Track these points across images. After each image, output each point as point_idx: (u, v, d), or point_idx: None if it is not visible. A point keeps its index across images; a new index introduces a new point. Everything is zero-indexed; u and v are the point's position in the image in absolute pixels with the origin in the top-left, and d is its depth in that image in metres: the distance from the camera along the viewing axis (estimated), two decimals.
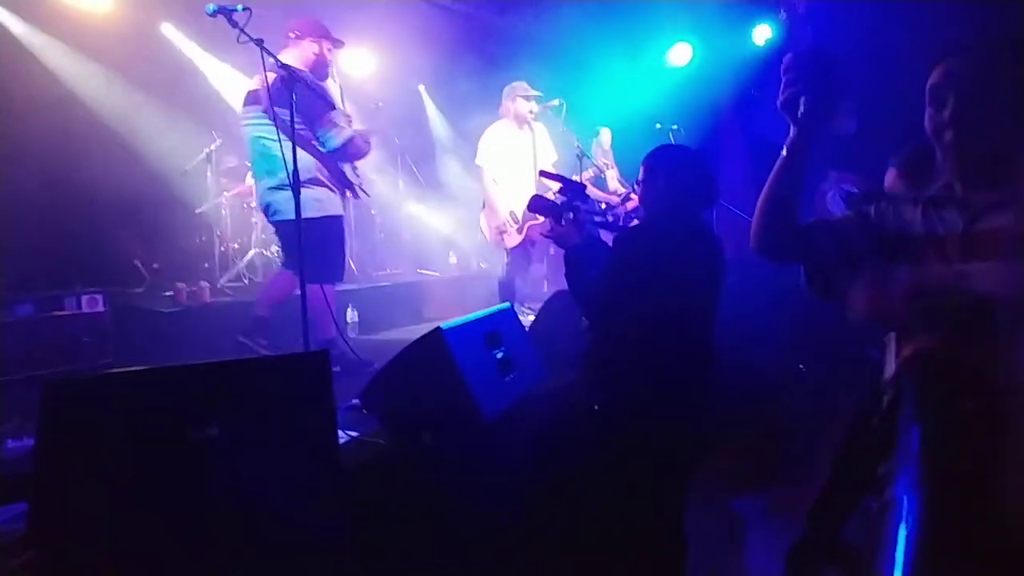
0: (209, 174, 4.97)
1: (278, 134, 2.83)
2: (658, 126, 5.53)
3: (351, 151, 3.19)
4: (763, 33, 6.46)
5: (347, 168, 3.31)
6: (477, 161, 4.27)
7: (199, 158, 4.95)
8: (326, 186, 3.19)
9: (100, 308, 3.70)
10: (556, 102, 4.24)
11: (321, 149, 3.12)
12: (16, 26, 4.43)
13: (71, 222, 4.37)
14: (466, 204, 5.60)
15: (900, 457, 1.02)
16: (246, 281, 4.90)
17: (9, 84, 4.20)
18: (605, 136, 5.52)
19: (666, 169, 2.12)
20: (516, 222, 4.21)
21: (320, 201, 3.13)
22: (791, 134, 1.18)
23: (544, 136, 4.45)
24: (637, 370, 1.96)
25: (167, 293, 4.19)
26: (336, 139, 3.08)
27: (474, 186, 4.48)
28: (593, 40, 5.90)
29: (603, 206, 4.98)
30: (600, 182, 5.33)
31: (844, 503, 1.89)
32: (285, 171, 2.69)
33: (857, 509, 1.81)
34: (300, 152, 2.88)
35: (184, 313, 3.95)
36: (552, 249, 6.23)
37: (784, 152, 1.19)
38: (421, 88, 7.15)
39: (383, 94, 6.18)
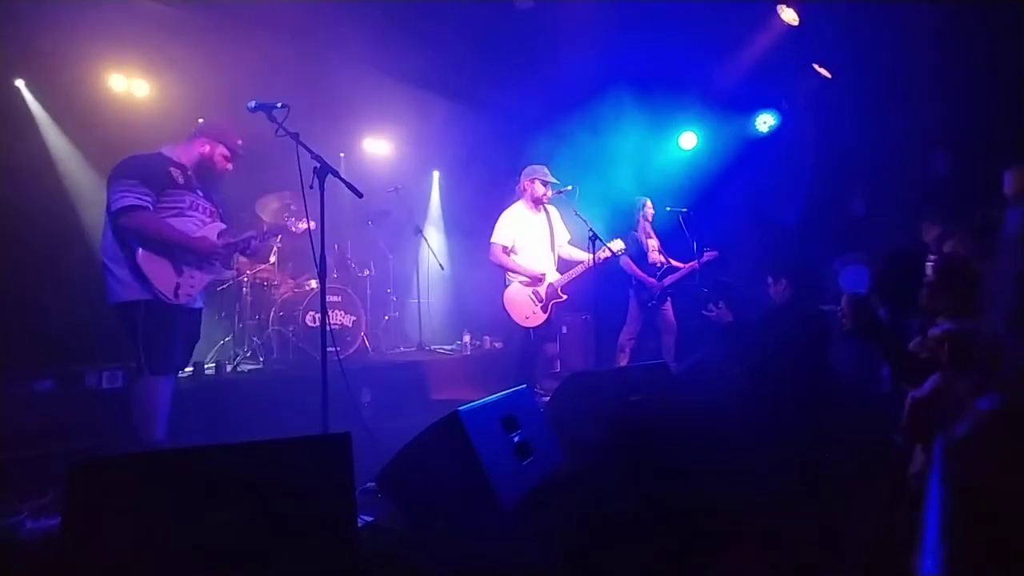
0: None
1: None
2: (668, 209, 5.72)
3: (133, 227, 2.82)
4: (766, 120, 6.76)
5: (155, 263, 2.88)
6: (495, 239, 4.35)
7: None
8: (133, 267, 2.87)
9: (119, 384, 3.75)
10: (569, 188, 4.39)
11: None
12: (42, 108, 4.72)
13: (93, 296, 4.47)
14: (480, 284, 5.70)
15: (923, 546, 1.01)
16: (261, 359, 4.96)
17: (40, 166, 4.45)
18: (649, 208, 5.68)
19: (785, 274, 3.73)
20: (540, 301, 4.26)
21: (122, 284, 2.87)
22: None
23: (557, 217, 4.60)
24: (777, 398, 3.10)
25: (186, 369, 4.23)
26: (116, 202, 2.79)
27: (489, 266, 4.57)
28: (604, 127, 6.19)
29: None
30: (640, 256, 5.45)
31: None
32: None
33: None
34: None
35: (201, 389, 3.99)
36: (564, 328, 6.30)
37: None
38: (435, 175, 7.50)
39: (400, 178, 6.47)
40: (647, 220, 5.67)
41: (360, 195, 2.71)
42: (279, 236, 3.42)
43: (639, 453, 2.85)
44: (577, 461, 2.77)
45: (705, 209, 5.87)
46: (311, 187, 2.57)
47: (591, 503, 2.31)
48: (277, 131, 2.60)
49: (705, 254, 5.46)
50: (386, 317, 6.18)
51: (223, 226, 3.22)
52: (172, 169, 3.02)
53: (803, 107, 6.57)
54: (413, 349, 6.18)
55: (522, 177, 4.49)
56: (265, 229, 3.53)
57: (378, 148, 6.80)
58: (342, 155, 6.50)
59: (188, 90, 5.00)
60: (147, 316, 2.86)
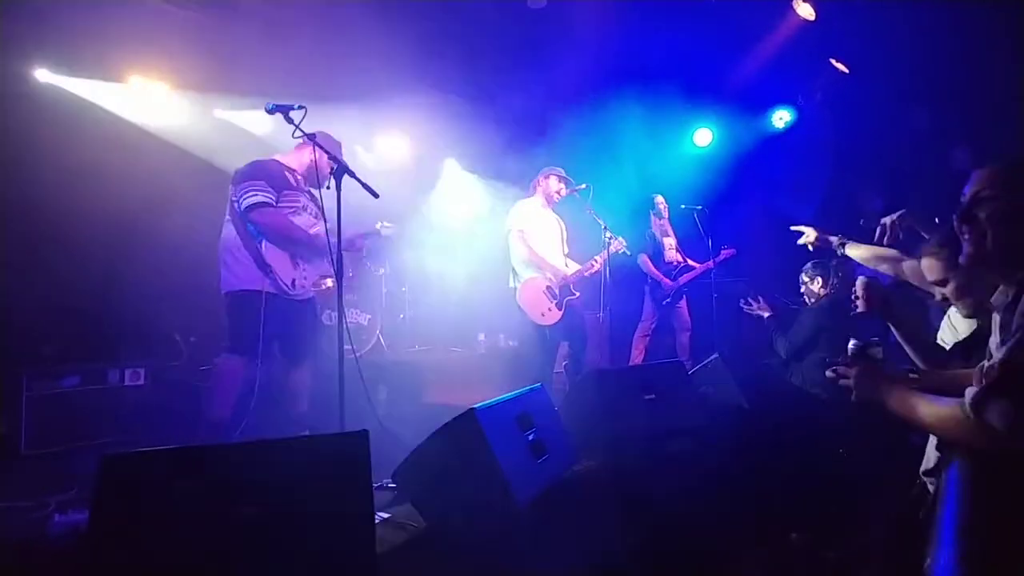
0: None
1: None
2: (683, 207, 5.70)
3: (264, 222, 3.07)
4: (782, 117, 6.71)
5: (278, 257, 3.13)
6: (514, 225, 4.30)
7: None
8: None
9: (141, 381, 3.83)
10: (583, 186, 4.40)
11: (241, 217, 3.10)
12: (77, 101, 4.73)
13: (116, 295, 4.55)
14: (495, 283, 5.71)
15: (938, 545, 1.02)
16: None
17: (64, 157, 4.52)
18: (662, 204, 5.66)
19: (820, 271, 4.02)
20: (554, 298, 4.24)
21: (240, 275, 3.11)
22: None
23: (564, 227, 4.59)
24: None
25: (204, 367, 4.30)
26: (246, 200, 3.04)
27: (503, 265, 4.57)
28: (618, 124, 6.18)
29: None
30: (656, 254, 5.45)
31: None
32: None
33: None
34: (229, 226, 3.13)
35: None
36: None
37: None
38: (449, 164, 7.45)
39: (415, 175, 6.50)
40: (662, 217, 5.65)
41: (376, 195, 2.74)
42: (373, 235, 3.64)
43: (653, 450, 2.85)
44: (591, 459, 2.78)
45: (720, 206, 5.83)
46: (327, 187, 2.60)
47: (605, 501, 2.32)
48: (294, 133, 2.64)
49: (722, 252, 5.44)
50: (401, 315, 6.21)
51: (325, 225, 3.34)
52: (287, 173, 3.29)
53: (820, 103, 6.50)
54: (428, 347, 6.21)
55: (539, 174, 4.51)
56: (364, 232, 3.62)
57: (392, 147, 6.83)
58: (358, 147, 6.54)
59: (207, 91, 5.06)
60: (266, 304, 3.09)
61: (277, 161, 3.33)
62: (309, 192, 3.39)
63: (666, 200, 5.73)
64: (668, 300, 5.42)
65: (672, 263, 5.51)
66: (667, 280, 5.39)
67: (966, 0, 4.64)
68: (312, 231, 3.25)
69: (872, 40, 5.58)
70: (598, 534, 2.15)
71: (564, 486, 2.46)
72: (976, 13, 4.67)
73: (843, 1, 5.37)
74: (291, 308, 3.25)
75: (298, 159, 3.37)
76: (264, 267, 3.11)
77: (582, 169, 4.70)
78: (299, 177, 3.36)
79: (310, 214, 3.32)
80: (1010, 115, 4.86)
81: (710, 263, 5.41)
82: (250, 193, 3.07)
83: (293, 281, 3.22)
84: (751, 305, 4.33)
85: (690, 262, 5.57)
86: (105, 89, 4.83)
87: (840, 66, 6.03)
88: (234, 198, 3.14)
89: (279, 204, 3.16)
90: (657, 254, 5.48)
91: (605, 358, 5.74)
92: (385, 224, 3.63)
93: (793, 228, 3.24)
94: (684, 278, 5.45)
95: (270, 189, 3.12)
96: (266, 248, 3.12)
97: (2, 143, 4.08)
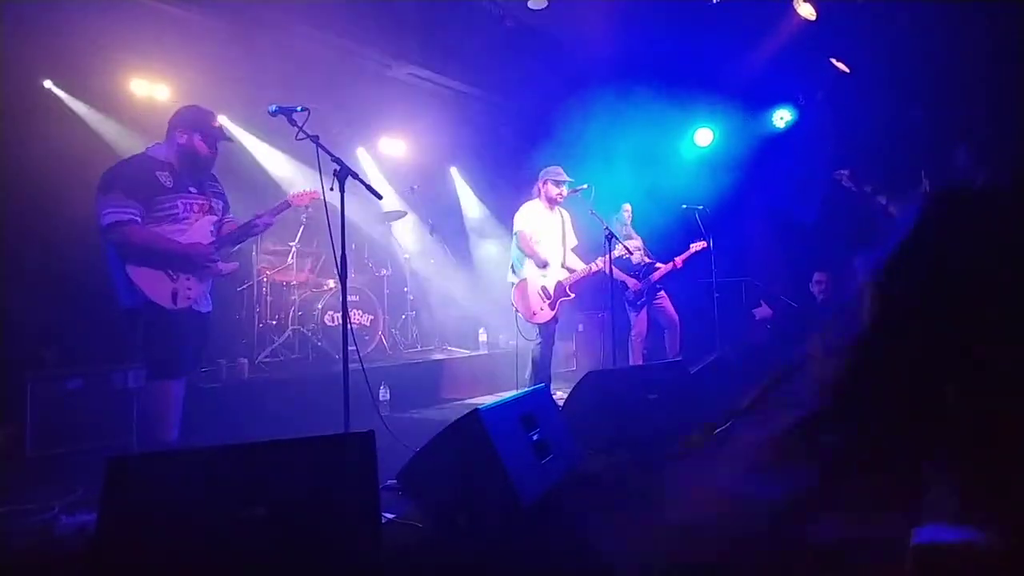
0: (254, 253, 5.18)
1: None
2: (684, 207, 5.70)
3: (123, 243, 2.75)
4: (783, 116, 6.71)
5: (146, 276, 2.80)
6: (520, 227, 4.38)
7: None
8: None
9: (143, 383, 3.83)
10: (585, 186, 4.41)
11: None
12: (84, 111, 4.81)
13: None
14: (496, 282, 5.74)
15: None
16: (281, 358, 5.02)
17: (67, 164, 4.52)
18: (627, 212, 5.68)
19: (826, 270, 4.26)
20: (548, 297, 4.30)
21: (123, 291, 2.82)
22: None
23: (568, 221, 4.63)
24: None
25: (207, 369, 4.31)
26: (103, 219, 2.72)
27: (504, 265, 4.60)
28: (619, 124, 6.19)
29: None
30: (624, 261, 5.47)
31: None
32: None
33: None
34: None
35: (224, 389, 4.06)
36: (580, 326, 6.31)
37: None
38: (453, 171, 7.51)
39: (417, 177, 6.53)
40: (624, 224, 5.65)
41: (379, 197, 2.75)
42: (289, 208, 3.29)
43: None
44: (594, 459, 2.79)
45: (722, 206, 5.84)
46: (331, 189, 2.61)
47: (609, 501, 2.33)
48: (297, 135, 2.65)
49: (691, 246, 5.47)
50: (403, 316, 6.23)
51: (214, 218, 3.07)
52: (159, 173, 2.88)
53: (820, 102, 6.51)
54: (430, 348, 6.23)
55: (538, 179, 4.56)
56: (275, 206, 3.33)
57: (394, 148, 6.85)
58: (360, 150, 6.55)
59: (209, 93, 5.06)
60: (148, 322, 2.81)
61: (147, 156, 2.93)
62: (193, 187, 2.99)
63: (632, 209, 5.68)
64: (643, 300, 5.46)
65: (639, 264, 5.54)
66: (632, 280, 5.44)
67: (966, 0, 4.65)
68: (187, 239, 2.90)
69: (873, 39, 5.58)
70: (602, 534, 2.15)
71: (568, 486, 2.47)
72: (976, 12, 4.67)
73: (844, 1, 5.38)
74: (178, 321, 2.89)
75: (169, 149, 2.96)
76: (132, 288, 2.78)
77: (583, 169, 4.71)
78: (178, 171, 2.94)
79: (196, 213, 2.97)
80: (1010, 114, 4.86)
81: (675, 261, 5.45)
82: (107, 211, 2.73)
83: (174, 295, 2.87)
84: (756, 311, 4.45)
85: (658, 264, 5.57)
86: (108, 97, 4.85)
87: (841, 65, 6.03)
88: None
89: (151, 215, 2.82)
90: (623, 260, 5.49)
91: (608, 359, 5.75)
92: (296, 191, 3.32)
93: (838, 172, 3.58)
94: (653, 276, 5.49)
95: (130, 202, 2.75)
96: (130, 269, 2.77)
97: (5, 147, 4.09)
